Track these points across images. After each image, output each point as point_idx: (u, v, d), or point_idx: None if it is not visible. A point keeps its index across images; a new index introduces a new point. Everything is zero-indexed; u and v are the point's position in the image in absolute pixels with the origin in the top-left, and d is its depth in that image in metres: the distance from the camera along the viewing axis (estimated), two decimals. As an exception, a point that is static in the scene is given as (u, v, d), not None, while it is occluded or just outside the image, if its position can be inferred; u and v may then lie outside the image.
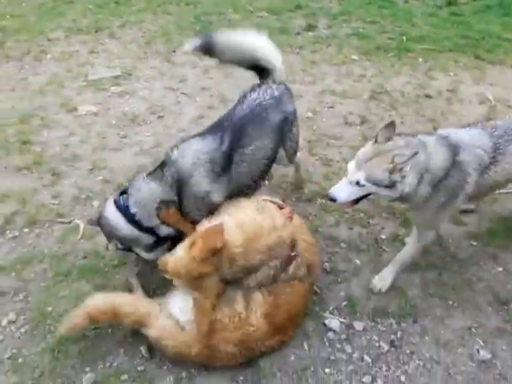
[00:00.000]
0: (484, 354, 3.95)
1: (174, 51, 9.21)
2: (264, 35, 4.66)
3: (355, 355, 3.95)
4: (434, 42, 9.42)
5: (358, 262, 4.76)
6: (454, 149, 3.80)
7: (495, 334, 4.13)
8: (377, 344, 4.04)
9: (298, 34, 9.92)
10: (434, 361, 3.92)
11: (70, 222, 5.16)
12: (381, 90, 7.78)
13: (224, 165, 4.11)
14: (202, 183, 4.04)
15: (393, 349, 4.01)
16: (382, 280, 4.48)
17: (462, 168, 3.81)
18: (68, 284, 4.49)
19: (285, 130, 4.56)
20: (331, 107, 7.31)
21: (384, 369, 3.86)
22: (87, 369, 3.82)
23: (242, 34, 4.65)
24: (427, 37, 9.63)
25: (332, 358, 3.93)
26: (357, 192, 3.78)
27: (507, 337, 4.10)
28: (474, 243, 4.98)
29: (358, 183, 3.68)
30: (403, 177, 3.56)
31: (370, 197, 3.93)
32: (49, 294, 4.40)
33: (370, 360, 3.91)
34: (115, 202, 4.11)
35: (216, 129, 4.25)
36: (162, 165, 4.10)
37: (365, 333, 4.13)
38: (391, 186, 3.61)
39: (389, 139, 3.67)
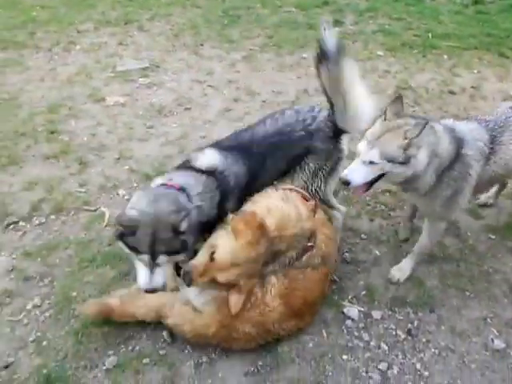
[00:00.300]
0: (498, 344, 3.99)
1: (202, 44, 9.32)
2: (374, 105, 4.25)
3: (372, 343, 4.00)
4: (459, 40, 9.46)
5: (377, 252, 4.81)
6: (459, 142, 3.86)
7: (510, 324, 4.17)
8: (394, 332, 4.08)
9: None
10: (449, 349, 3.96)
11: (95, 210, 5.23)
12: (405, 85, 7.82)
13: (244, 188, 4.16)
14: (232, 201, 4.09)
15: (409, 337, 4.05)
16: (401, 271, 4.53)
17: (465, 161, 3.87)
18: (93, 270, 4.55)
19: (304, 158, 4.39)
20: (356, 102, 7.30)
21: (400, 356, 3.90)
22: (110, 352, 3.87)
23: (359, 81, 4.14)
24: (452, 34, 9.69)
25: (350, 345, 3.98)
26: (371, 172, 3.72)
27: (522, 327, 4.17)
28: (493, 236, 5.01)
29: (372, 162, 3.66)
30: (418, 147, 3.58)
31: (381, 184, 3.93)
32: (73, 279, 4.46)
33: (386, 348, 3.96)
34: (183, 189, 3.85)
35: (246, 154, 4.13)
36: (193, 169, 4.00)
37: (382, 321, 4.17)
38: (406, 162, 3.61)
39: (397, 114, 3.70)
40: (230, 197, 4.05)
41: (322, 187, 4.53)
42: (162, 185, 3.85)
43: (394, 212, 5.27)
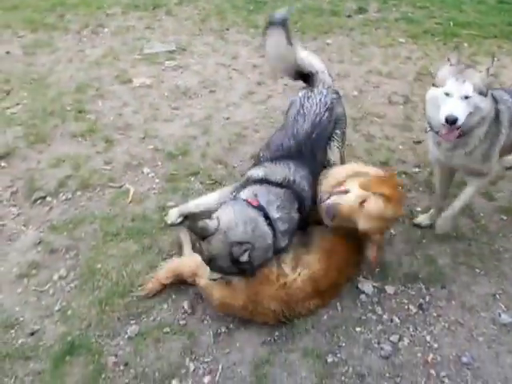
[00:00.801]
0: (505, 318, 4.08)
1: (228, 29, 9.39)
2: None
3: (385, 316, 4.11)
4: (480, 28, 9.46)
5: (392, 231, 4.85)
6: (495, 99, 4.06)
7: (519, 299, 4.28)
8: (406, 307, 4.19)
9: (349, 16, 10.01)
10: (458, 323, 4.07)
11: (120, 187, 5.37)
12: (425, 72, 7.84)
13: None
14: None
15: (420, 311, 4.16)
16: (446, 221, 4.66)
17: (499, 117, 4.08)
18: (116, 244, 4.69)
19: (334, 130, 4.71)
20: (376, 87, 7.43)
21: (411, 329, 4.01)
22: (132, 321, 4.02)
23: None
24: (473, 23, 9.69)
25: (363, 318, 4.10)
26: (466, 108, 3.76)
27: (529, 302, 4.26)
28: (504, 217, 5.10)
29: (467, 97, 3.74)
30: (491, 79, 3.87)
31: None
32: (98, 252, 4.61)
33: (398, 321, 4.07)
34: (261, 207, 3.97)
35: (301, 158, 4.33)
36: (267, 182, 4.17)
37: (395, 296, 4.28)
38: (486, 94, 3.82)
39: (459, 61, 3.93)
40: (307, 200, 4.24)
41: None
42: (245, 201, 3.98)
43: (409, 193, 5.34)
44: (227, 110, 6.80)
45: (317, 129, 4.47)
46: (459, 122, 3.74)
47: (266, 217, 3.90)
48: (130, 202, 5.19)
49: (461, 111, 3.73)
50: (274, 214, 3.96)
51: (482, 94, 3.77)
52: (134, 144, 6.08)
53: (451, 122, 3.74)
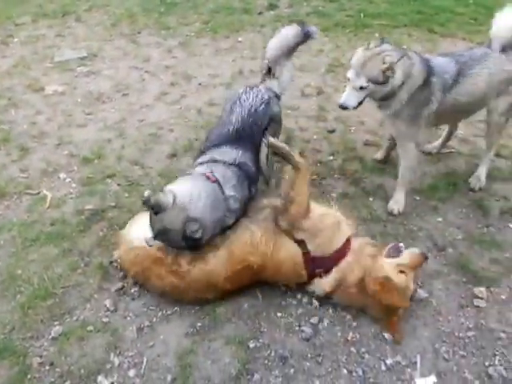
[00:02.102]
0: (421, 293, 4.20)
1: (139, 32, 9.50)
2: None
3: (304, 300, 4.18)
4: (391, 18, 9.79)
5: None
6: (430, 70, 4.58)
7: (433, 275, 4.39)
8: (325, 289, 4.31)
9: (260, 13, 10.20)
10: (373, 300, 4.22)
11: (37, 194, 5.37)
12: (337, 63, 8.07)
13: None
14: None
15: (340, 293, 4.29)
16: (397, 203, 5.02)
17: (430, 87, 4.58)
18: (36, 249, 4.69)
19: (268, 126, 4.80)
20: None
21: (331, 310, 4.10)
22: (55, 322, 4.04)
23: None
24: (384, 13, 10.01)
25: (283, 303, 4.17)
26: (361, 95, 4.48)
27: (443, 278, 4.37)
28: (417, 198, 5.25)
29: (361, 88, 4.40)
30: (393, 72, 4.28)
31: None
32: (18, 258, 4.60)
33: (317, 303, 4.14)
34: (219, 183, 4.10)
35: (241, 140, 4.49)
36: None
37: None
38: (385, 82, 4.35)
39: (377, 45, 4.41)
40: (255, 180, 4.50)
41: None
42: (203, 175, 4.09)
43: (325, 180, 5.48)
44: (141, 112, 6.88)
45: (253, 117, 4.64)
46: (349, 109, 4.58)
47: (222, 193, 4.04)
48: (48, 207, 5.19)
49: (352, 99, 4.52)
50: (229, 192, 4.07)
51: (376, 82, 4.35)
52: (49, 151, 6.09)
53: (342, 108, 4.60)
